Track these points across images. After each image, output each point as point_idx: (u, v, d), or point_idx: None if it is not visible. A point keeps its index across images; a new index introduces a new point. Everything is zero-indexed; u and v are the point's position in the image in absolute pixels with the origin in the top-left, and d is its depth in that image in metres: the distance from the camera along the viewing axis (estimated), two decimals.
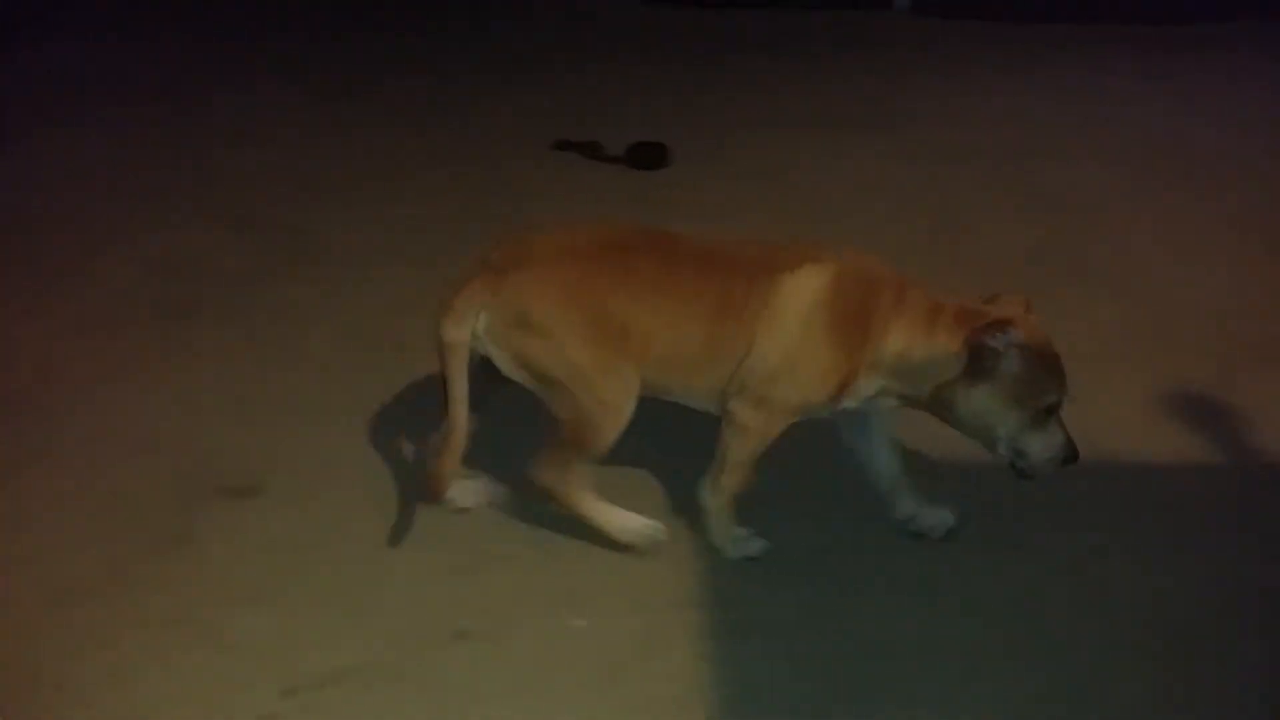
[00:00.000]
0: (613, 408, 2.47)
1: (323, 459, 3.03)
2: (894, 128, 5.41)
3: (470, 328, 2.42)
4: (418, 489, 2.71)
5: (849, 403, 2.52)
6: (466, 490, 2.78)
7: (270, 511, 2.85)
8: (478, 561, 2.66)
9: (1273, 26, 6.91)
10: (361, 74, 6.24)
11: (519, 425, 2.59)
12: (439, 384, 2.51)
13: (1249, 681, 2.33)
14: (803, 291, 2.41)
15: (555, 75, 6.24)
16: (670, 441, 2.87)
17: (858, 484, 2.76)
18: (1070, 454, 2.44)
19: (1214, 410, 3.17)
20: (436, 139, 5.34)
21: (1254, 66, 6.28)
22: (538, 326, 2.40)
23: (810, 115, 5.61)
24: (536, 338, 2.41)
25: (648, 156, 5.02)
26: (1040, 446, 2.41)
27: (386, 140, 5.32)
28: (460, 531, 2.75)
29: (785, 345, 2.42)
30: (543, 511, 2.72)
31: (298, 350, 3.56)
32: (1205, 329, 3.59)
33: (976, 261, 3.99)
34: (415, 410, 3.16)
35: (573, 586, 2.59)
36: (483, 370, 2.51)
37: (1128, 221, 4.43)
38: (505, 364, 2.46)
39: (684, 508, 2.74)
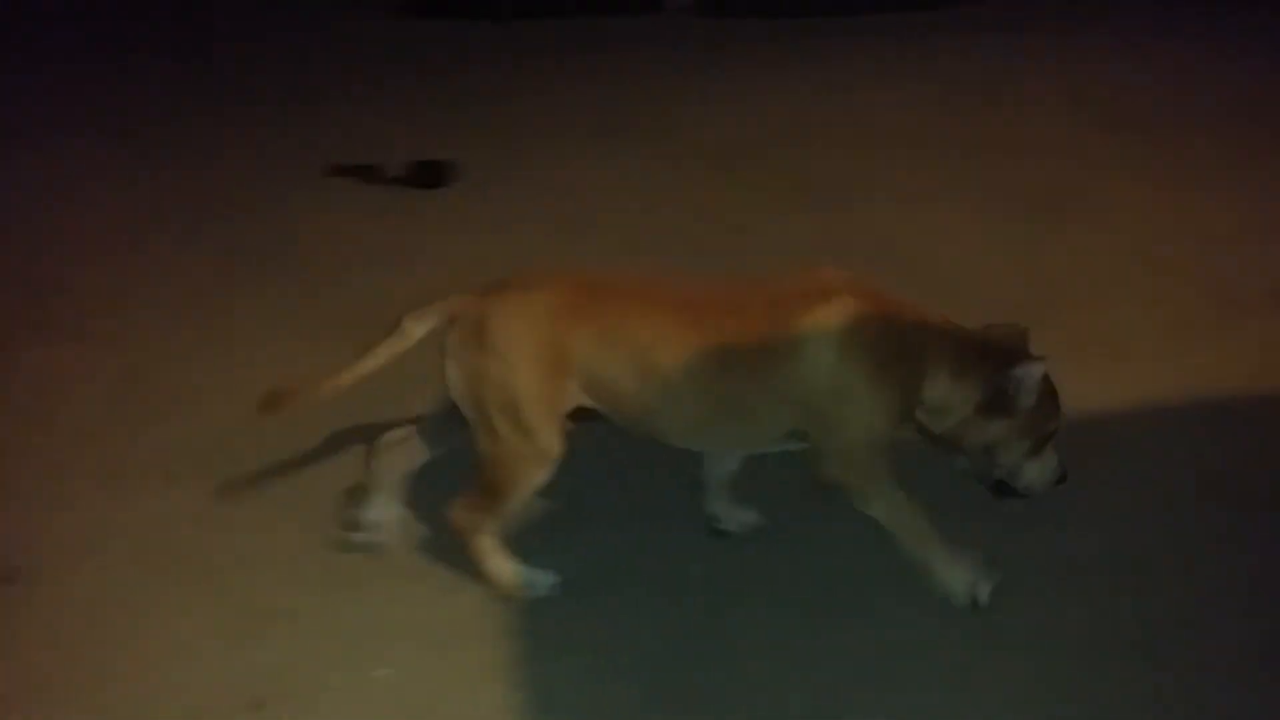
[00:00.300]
0: (541, 451, 2.42)
1: (87, 532, 2.80)
2: (677, 130, 5.46)
3: (428, 329, 2.48)
4: (265, 395, 2.49)
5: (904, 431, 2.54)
6: (379, 509, 2.67)
7: (31, 597, 2.60)
8: (264, 622, 2.50)
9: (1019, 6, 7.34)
10: (111, 110, 5.86)
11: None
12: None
13: (1059, 649, 2.39)
14: (829, 340, 2.36)
15: (328, 101, 6.04)
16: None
17: (653, 491, 2.74)
18: (1063, 475, 2.52)
19: None
20: (199, 176, 5.07)
21: (1013, 44, 6.60)
22: (492, 345, 2.40)
23: (594, 123, 5.60)
24: (490, 357, 2.40)
25: (430, 175, 4.92)
26: (1038, 470, 2.50)
27: (142, 181, 5.01)
28: (240, 592, 2.59)
29: (829, 394, 2.38)
30: (327, 560, 2.61)
31: (54, 416, 3.31)
32: (980, 306, 3.70)
33: (762, 258, 4.03)
34: (182, 469, 3.00)
35: (370, 635, 2.46)
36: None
37: (899, 206, 4.58)
38: (455, 381, 2.46)
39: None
